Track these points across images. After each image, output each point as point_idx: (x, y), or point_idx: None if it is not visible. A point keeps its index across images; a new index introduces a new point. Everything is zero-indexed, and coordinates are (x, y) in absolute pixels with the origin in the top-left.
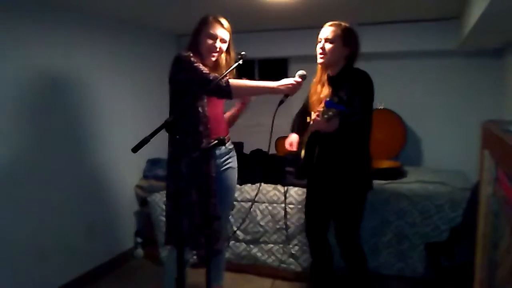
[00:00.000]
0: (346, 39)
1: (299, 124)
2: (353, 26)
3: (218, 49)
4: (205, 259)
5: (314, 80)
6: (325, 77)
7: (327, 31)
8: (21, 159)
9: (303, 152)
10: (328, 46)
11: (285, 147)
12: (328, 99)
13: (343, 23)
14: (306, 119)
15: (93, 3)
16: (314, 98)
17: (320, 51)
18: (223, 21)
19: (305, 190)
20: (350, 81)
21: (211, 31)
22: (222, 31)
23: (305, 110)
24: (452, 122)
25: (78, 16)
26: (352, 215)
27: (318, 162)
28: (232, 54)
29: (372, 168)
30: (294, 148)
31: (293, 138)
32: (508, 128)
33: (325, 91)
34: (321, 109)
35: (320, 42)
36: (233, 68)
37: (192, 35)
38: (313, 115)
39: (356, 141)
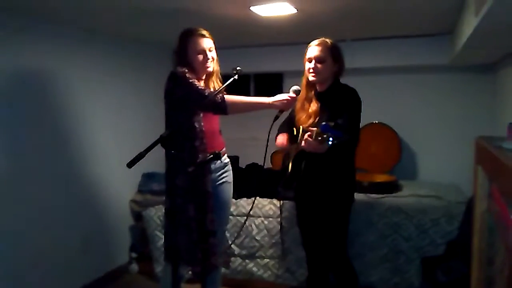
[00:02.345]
0: (335, 56)
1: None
2: (346, 42)
3: (211, 59)
4: (201, 275)
5: (299, 96)
6: (312, 93)
7: (315, 50)
8: (15, 173)
9: (290, 166)
10: (320, 65)
11: (279, 161)
12: (324, 123)
13: (328, 40)
14: (293, 131)
15: (88, 18)
16: (301, 114)
17: (312, 70)
18: (203, 32)
19: None
20: (338, 98)
21: (198, 48)
22: (207, 41)
23: (291, 123)
24: (446, 136)
25: (74, 30)
26: (337, 228)
27: (304, 175)
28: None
29: (355, 182)
30: (285, 142)
31: (282, 137)
32: (501, 144)
33: (313, 106)
34: (314, 130)
35: (310, 62)
36: (228, 83)
37: (179, 56)
38: (306, 136)
39: (342, 157)
